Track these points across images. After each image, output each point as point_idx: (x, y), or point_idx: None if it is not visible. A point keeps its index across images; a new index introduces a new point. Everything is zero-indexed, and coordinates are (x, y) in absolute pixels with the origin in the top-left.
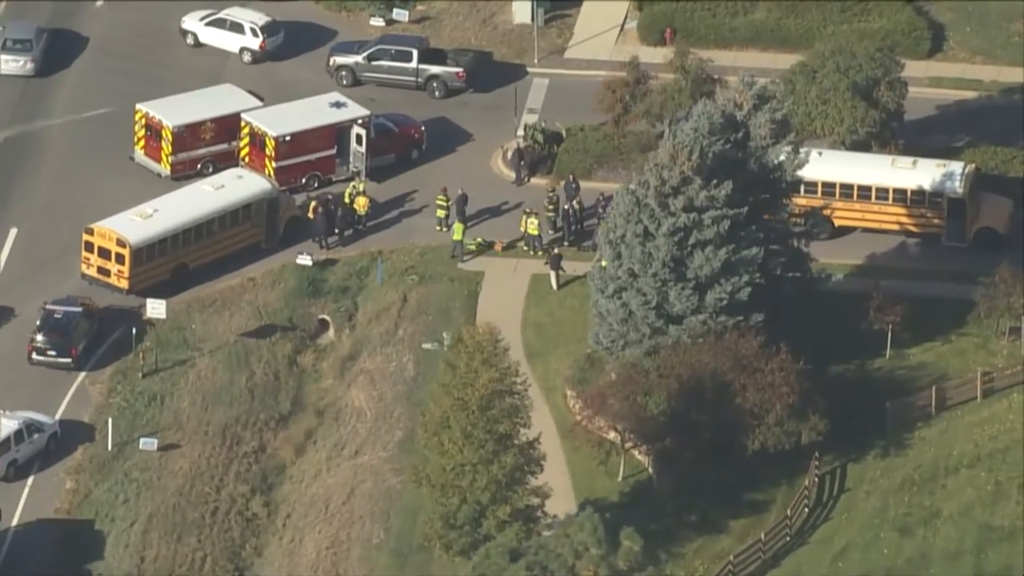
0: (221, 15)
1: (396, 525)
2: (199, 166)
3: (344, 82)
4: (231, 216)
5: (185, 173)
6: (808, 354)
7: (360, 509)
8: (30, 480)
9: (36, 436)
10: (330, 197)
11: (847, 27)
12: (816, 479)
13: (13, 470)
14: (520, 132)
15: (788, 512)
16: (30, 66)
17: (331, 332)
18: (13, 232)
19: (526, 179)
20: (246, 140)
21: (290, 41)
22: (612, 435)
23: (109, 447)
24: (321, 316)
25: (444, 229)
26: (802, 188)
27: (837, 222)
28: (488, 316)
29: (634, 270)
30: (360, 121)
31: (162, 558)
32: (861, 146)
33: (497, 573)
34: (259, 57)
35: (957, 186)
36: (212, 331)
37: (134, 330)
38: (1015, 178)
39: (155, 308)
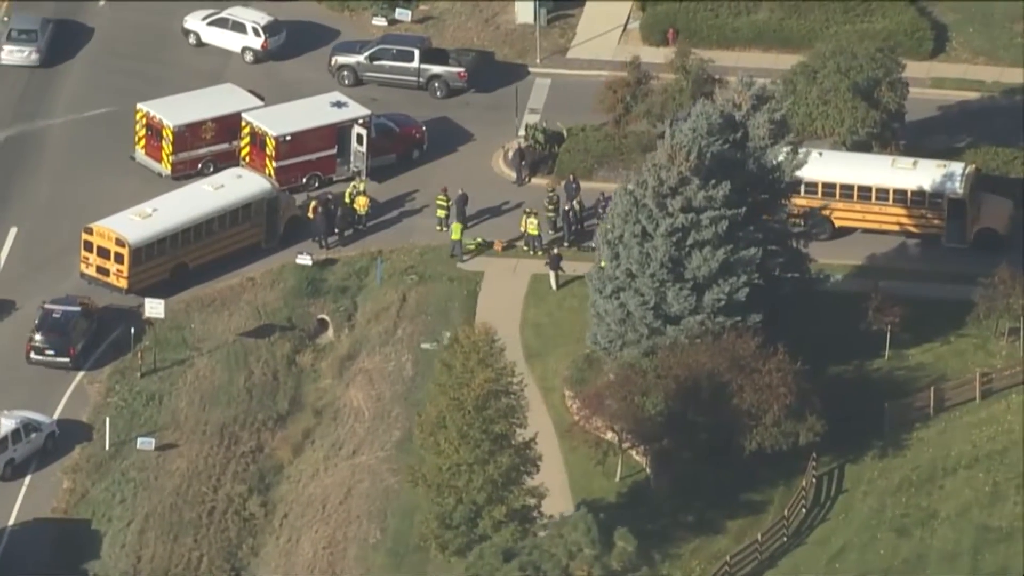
0: (223, 15)
1: (393, 525)
2: (200, 166)
3: (346, 82)
4: (231, 216)
5: (186, 173)
6: (806, 355)
7: (357, 509)
8: (27, 479)
9: (33, 435)
10: (330, 197)
11: (850, 28)
12: (814, 480)
13: (10, 469)
14: (521, 132)
15: (785, 513)
16: (35, 57)
17: (330, 332)
18: (13, 231)
19: (527, 179)
20: (247, 140)
21: (292, 41)
22: (610, 435)
23: (106, 447)
24: (320, 316)
25: (444, 229)
26: (802, 188)
27: (837, 223)
28: (487, 316)
29: (632, 270)
30: (361, 121)
31: (158, 558)
32: (862, 147)
33: (490, 573)
34: (261, 57)
35: (957, 187)
36: (211, 331)
37: (133, 330)
38: (1016, 179)
39: (153, 308)
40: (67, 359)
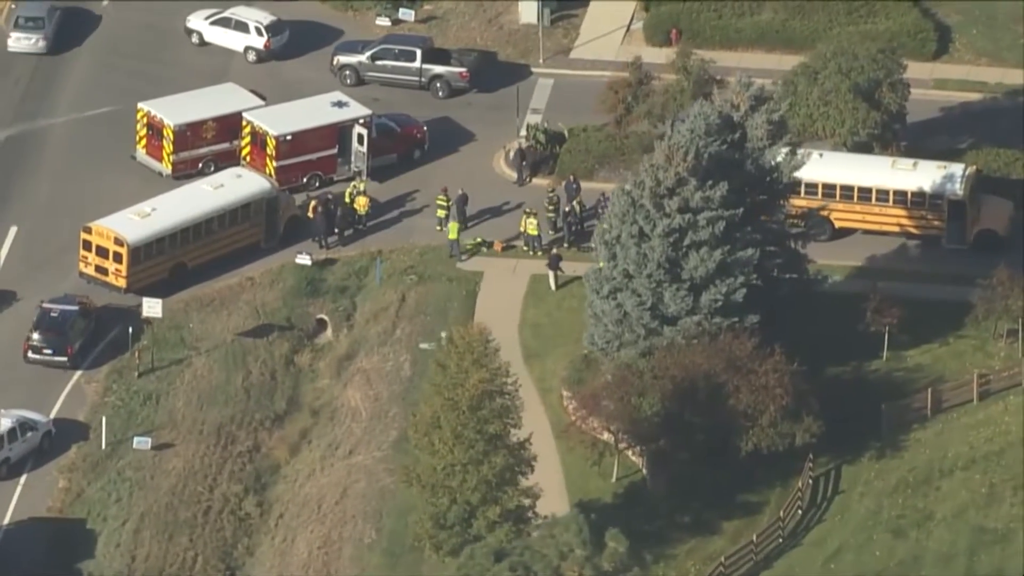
0: (226, 14)
1: (388, 525)
2: (200, 165)
3: (348, 81)
4: (230, 215)
5: (186, 172)
6: (804, 355)
7: (353, 509)
8: (23, 478)
9: (29, 434)
10: (330, 197)
11: (853, 28)
12: (810, 481)
13: (6, 468)
14: (522, 132)
15: (781, 514)
16: (42, 44)
17: (329, 332)
18: (13, 230)
19: (528, 179)
20: (247, 139)
21: (295, 40)
22: (606, 436)
23: (103, 446)
24: (319, 316)
25: (444, 229)
26: (803, 189)
27: (837, 223)
28: (486, 316)
29: (629, 271)
30: (362, 121)
31: (153, 557)
32: (863, 148)
33: (481, 574)
34: (264, 56)
35: (957, 188)
36: (210, 330)
37: (131, 329)
38: (1016, 180)
39: (151, 307)
40: (65, 358)
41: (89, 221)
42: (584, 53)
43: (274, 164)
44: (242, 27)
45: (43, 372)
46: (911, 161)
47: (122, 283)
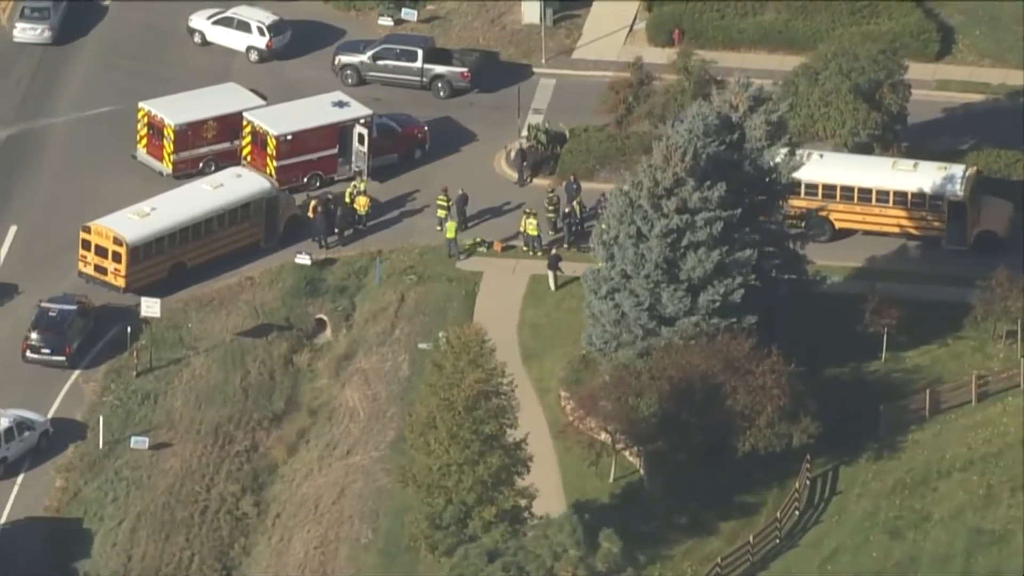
0: (228, 14)
1: (385, 525)
2: (201, 165)
3: (349, 81)
4: (229, 215)
5: (187, 172)
6: (802, 356)
7: (350, 509)
8: (20, 478)
9: (27, 434)
10: (330, 197)
11: (856, 29)
12: (807, 482)
13: (3, 468)
14: (524, 133)
15: (778, 515)
16: (48, 34)
17: (328, 332)
18: (13, 229)
19: (528, 180)
20: (248, 139)
21: (298, 40)
22: (604, 436)
23: (100, 445)
24: (319, 316)
25: (443, 229)
26: (803, 190)
27: (838, 224)
28: (485, 316)
29: (627, 271)
30: (362, 120)
31: (149, 557)
32: (864, 149)
33: (475, 574)
34: (266, 56)
35: (958, 189)
36: (208, 330)
37: (129, 329)
38: (1017, 181)
39: (149, 307)
40: (63, 358)
41: (89, 220)
42: (586, 53)
43: (274, 164)
44: (244, 27)
45: (41, 371)
46: (911, 162)
47: (121, 283)
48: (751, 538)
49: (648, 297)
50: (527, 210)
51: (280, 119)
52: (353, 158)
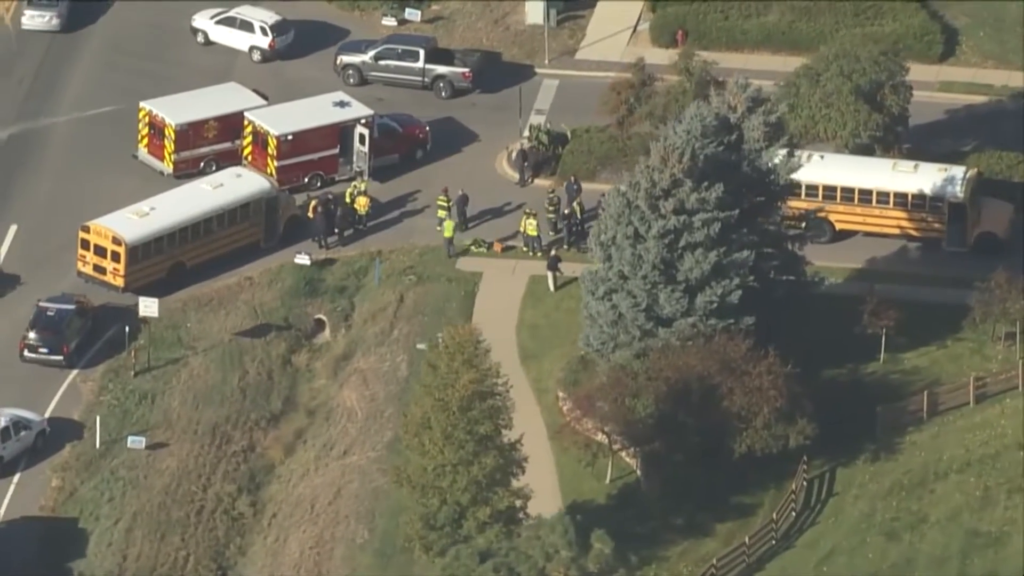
0: (231, 13)
1: (381, 525)
2: (202, 164)
3: (351, 81)
4: (229, 215)
5: (188, 171)
6: (800, 358)
7: (346, 509)
8: (16, 477)
9: (23, 433)
10: (330, 197)
11: (860, 30)
12: (804, 483)
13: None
14: (525, 133)
15: (774, 516)
16: (56, 22)
17: (327, 332)
18: (13, 229)
19: (530, 180)
20: (249, 139)
21: (301, 40)
22: (600, 437)
23: (97, 445)
24: (317, 316)
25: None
26: (803, 191)
27: (838, 226)
28: (484, 317)
29: (624, 272)
30: (363, 121)
31: (145, 557)
32: (865, 150)
33: (466, 574)
34: (268, 56)
35: (958, 190)
36: (207, 330)
37: (127, 328)
38: (1017, 183)
39: (147, 306)
40: (60, 357)
41: (90, 220)
42: (590, 54)
43: (275, 164)
44: (247, 27)
45: (39, 371)
46: (912, 163)
47: (120, 282)
48: (747, 539)
49: (645, 298)
50: (527, 211)
51: (281, 119)
52: (354, 158)
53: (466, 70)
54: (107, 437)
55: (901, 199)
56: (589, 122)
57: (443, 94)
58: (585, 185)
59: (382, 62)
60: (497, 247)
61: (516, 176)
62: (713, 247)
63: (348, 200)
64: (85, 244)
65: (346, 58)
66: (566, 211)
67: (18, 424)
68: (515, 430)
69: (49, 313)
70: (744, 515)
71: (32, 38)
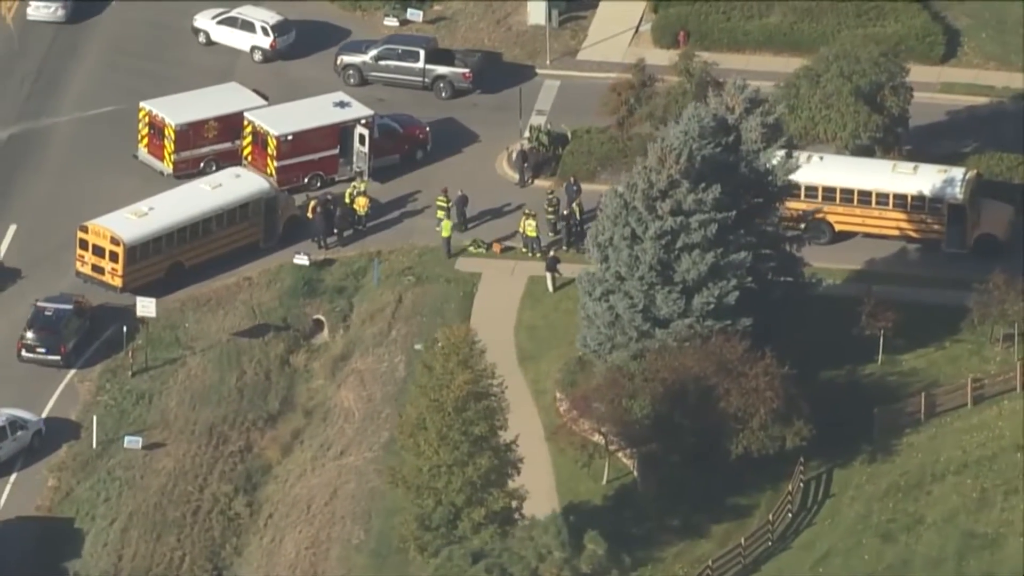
0: (233, 14)
1: (377, 526)
2: (202, 164)
3: (351, 81)
4: (228, 215)
5: (188, 171)
6: (797, 359)
7: (342, 509)
8: (12, 477)
9: (20, 433)
10: (329, 197)
11: (862, 31)
12: (801, 484)
13: None
14: (526, 134)
15: (770, 517)
16: (61, 13)
17: (325, 332)
18: (12, 228)
19: (530, 181)
20: (249, 139)
21: (303, 40)
22: (597, 438)
23: (94, 445)
24: (316, 316)
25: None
26: (803, 192)
27: (838, 227)
28: (482, 318)
29: (621, 273)
30: (363, 121)
31: (140, 557)
32: (865, 151)
33: (459, 575)
34: (270, 56)
35: (957, 192)
36: (205, 330)
37: (125, 328)
38: (1017, 185)
39: (145, 307)
40: (58, 357)
41: (89, 220)
42: (591, 55)
43: (275, 164)
44: (248, 27)
45: (36, 371)
46: (911, 165)
47: (118, 282)
48: (742, 540)
49: (642, 299)
50: (527, 211)
51: (281, 119)
52: (354, 159)
53: (466, 71)
54: (104, 437)
55: (900, 200)
56: (590, 123)
57: (443, 95)
58: (585, 186)
59: (382, 62)
60: (496, 248)
61: (516, 177)
62: (710, 248)
63: (347, 200)
64: (83, 244)
65: (346, 58)
66: (565, 212)
67: (14, 424)
68: (513, 431)
69: (47, 313)
70: (740, 516)
71: (34, 38)
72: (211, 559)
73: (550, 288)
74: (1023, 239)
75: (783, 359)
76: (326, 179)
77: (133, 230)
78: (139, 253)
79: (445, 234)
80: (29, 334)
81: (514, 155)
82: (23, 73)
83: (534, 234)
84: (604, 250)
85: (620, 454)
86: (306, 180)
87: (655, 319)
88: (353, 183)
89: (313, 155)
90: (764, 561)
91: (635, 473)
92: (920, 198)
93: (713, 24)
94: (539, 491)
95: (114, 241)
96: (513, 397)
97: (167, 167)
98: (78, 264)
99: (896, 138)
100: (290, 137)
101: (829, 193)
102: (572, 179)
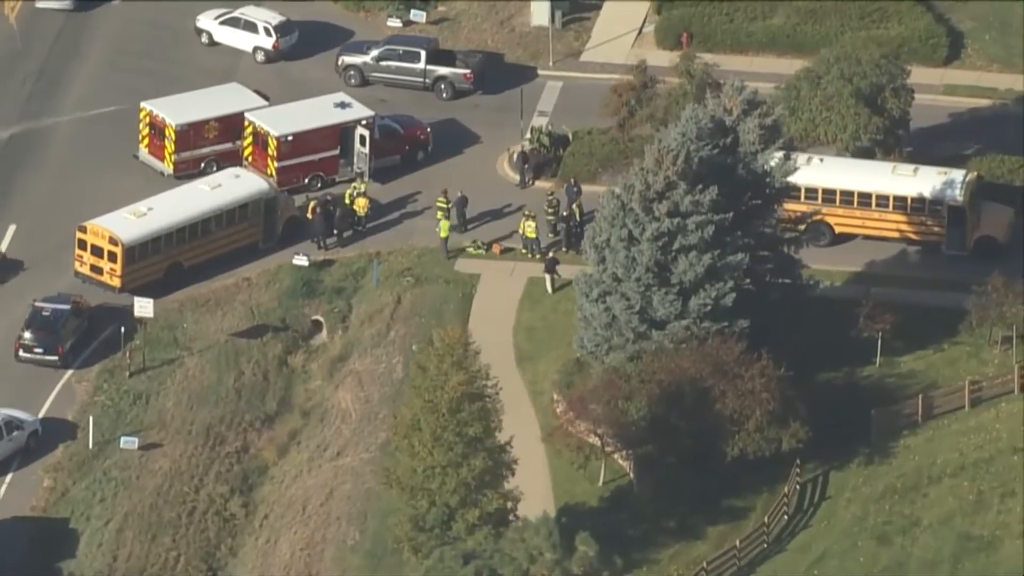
0: (235, 14)
1: (372, 527)
2: (202, 165)
3: (352, 82)
4: (227, 215)
5: (188, 172)
6: (795, 361)
7: (337, 510)
8: (8, 477)
9: (15, 433)
10: (329, 198)
11: (865, 33)
12: (797, 486)
13: None
14: (527, 135)
15: (766, 519)
16: (68, 1)
17: (324, 333)
18: (12, 228)
19: (530, 182)
20: (249, 139)
21: (306, 41)
22: (593, 439)
23: (90, 445)
24: (315, 317)
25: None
26: (803, 194)
27: (837, 229)
28: (481, 319)
29: (618, 274)
30: (364, 122)
31: (135, 557)
32: (866, 153)
33: None
34: (272, 56)
35: (957, 194)
36: (203, 330)
37: (123, 329)
38: (1018, 187)
39: (142, 307)
40: (55, 357)
41: (88, 220)
42: (594, 56)
43: (276, 164)
44: (251, 27)
45: (34, 371)
46: (911, 167)
47: (116, 283)
48: (738, 542)
49: (639, 300)
50: (527, 212)
51: (281, 120)
52: (355, 159)
53: (467, 71)
54: (100, 437)
55: (900, 203)
56: (591, 124)
57: (444, 95)
58: (586, 187)
59: (383, 63)
60: (496, 249)
61: (517, 178)
62: (707, 250)
63: (347, 201)
64: (82, 244)
65: (348, 59)
66: (565, 213)
67: (10, 424)
68: (510, 432)
69: (45, 313)
70: (736, 518)
71: (37, 37)
72: (206, 560)
73: (549, 289)
74: (1023, 241)
75: (780, 361)
76: (327, 180)
77: (132, 230)
78: (137, 253)
79: (443, 235)
80: (27, 334)
81: (515, 156)
82: (25, 73)
83: (534, 235)
84: (601, 251)
85: (616, 456)
86: (307, 181)
87: (652, 321)
88: (353, 184)
89: (314, 156)
90: (759, 563)
91: (631, 475)
92: (920, 200)
93: (716, 25)
94: (535, 492)
95: (112, 241)
96: (511, 398)
97: (167, 167)
98: (77, 264)
99: (897, 140)
100: (290, 138)
101: (829, 195)
102: (573, 180)
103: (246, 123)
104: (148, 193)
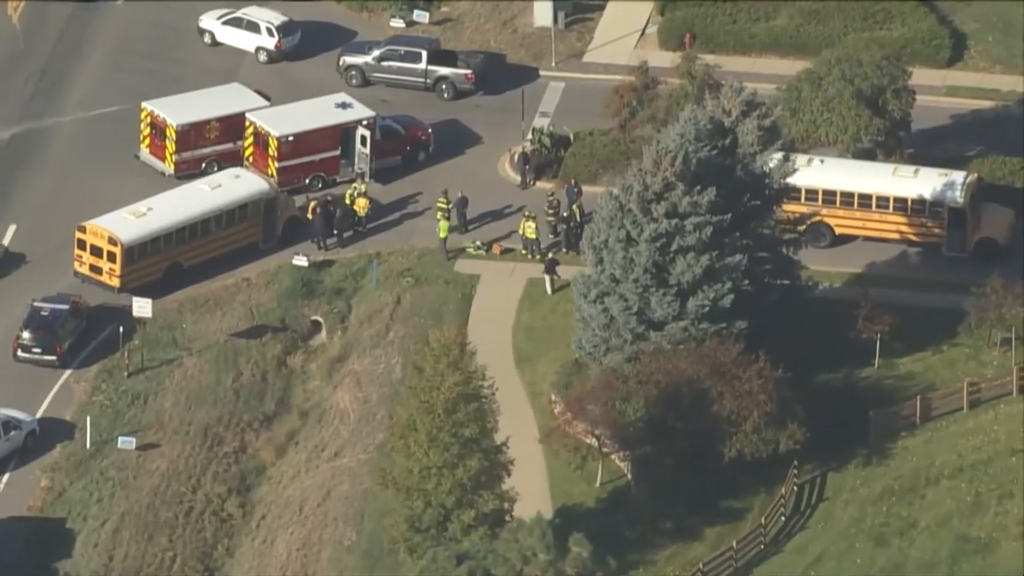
0: (238, 14)
1: (369, 527)
2: (203, 165)
3: (353, 82)
4: (227, 216)
5: (189, 172)
6: (793, 362)
7: (335, 511)
8: (5, 477)
9: (13, 433)
10: (329, 198)
11: (868, 34)
12: (794, 487)
13: None
14: (528, 136)
15: (763, 520)
16: None
17: (323, 333)
18: (12, 228)
19: (531, 183)
20: (250, 140)
21: (308, 41)
22: (591, 440)
23: (87, 445)
24: (314, 317)
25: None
26: (803, 195)
27: (838, 230)
28: (481, 319)
29: (616, 275)
30: (365, 122)
31: (131, 557)
32: (867, 154)
33: None
34: (275, 57)
35: (958, 196)
36: (202, 331)
37: (122, 329)
38: (1018, 188)
39: (141, 307)
40: (54, 357)
41: (88, 220)
42: (597, 57)
43: (276, 165)
44: (253, 27)
45: (32, 371)
46: (912, 168)
47: (116, 283)
48: (734, 543)
49: (637, 301)
50: (527, 213)
51: (282, 120)
52: (356, 160)
53: (469, 72)
54: (98, 437)
55: (901, 204)
56: (593, 125)
57: (445, 96)
58: (587, 188)
59: (385, 63)
60: (496, 249)
61: (518, 179)
62: (705, 251)
63: (348, 202)
64: (82, 244)
65: (349, 59)
66: (565, 214)
67: (8, 424)
68: (508, 433)
69: (43, 313)
70: (733, 519)
71: (38, 37)
72: (202, 560)
73: (548, 290)
74: (1023, 243)
75: (778, 362)
76: (327, 180)
77: (131, 230)
78: (137, 253)
79: (442, 235)
80: (25, 334)
81: (516, 157)
82: (27, 73)
83: (534, 236)
84: (599, 252)
85: (614, 456)
86: (307, 181)
87: (650, 322)
88: (354, 184)
89: (314, 156)
90: (756, 564)
91: (629, 476)
92: (920, 202)
93: (719, 26)
94: (532, 493)
95: (112, 241)
96: (509, 399)
97: (168, 167)
98: (76, 264)
99: (898, 141)
100: (291, 138)
101: (829, 196)
102: (573, 181)
103: (247, 123)
104: (149, 193)
